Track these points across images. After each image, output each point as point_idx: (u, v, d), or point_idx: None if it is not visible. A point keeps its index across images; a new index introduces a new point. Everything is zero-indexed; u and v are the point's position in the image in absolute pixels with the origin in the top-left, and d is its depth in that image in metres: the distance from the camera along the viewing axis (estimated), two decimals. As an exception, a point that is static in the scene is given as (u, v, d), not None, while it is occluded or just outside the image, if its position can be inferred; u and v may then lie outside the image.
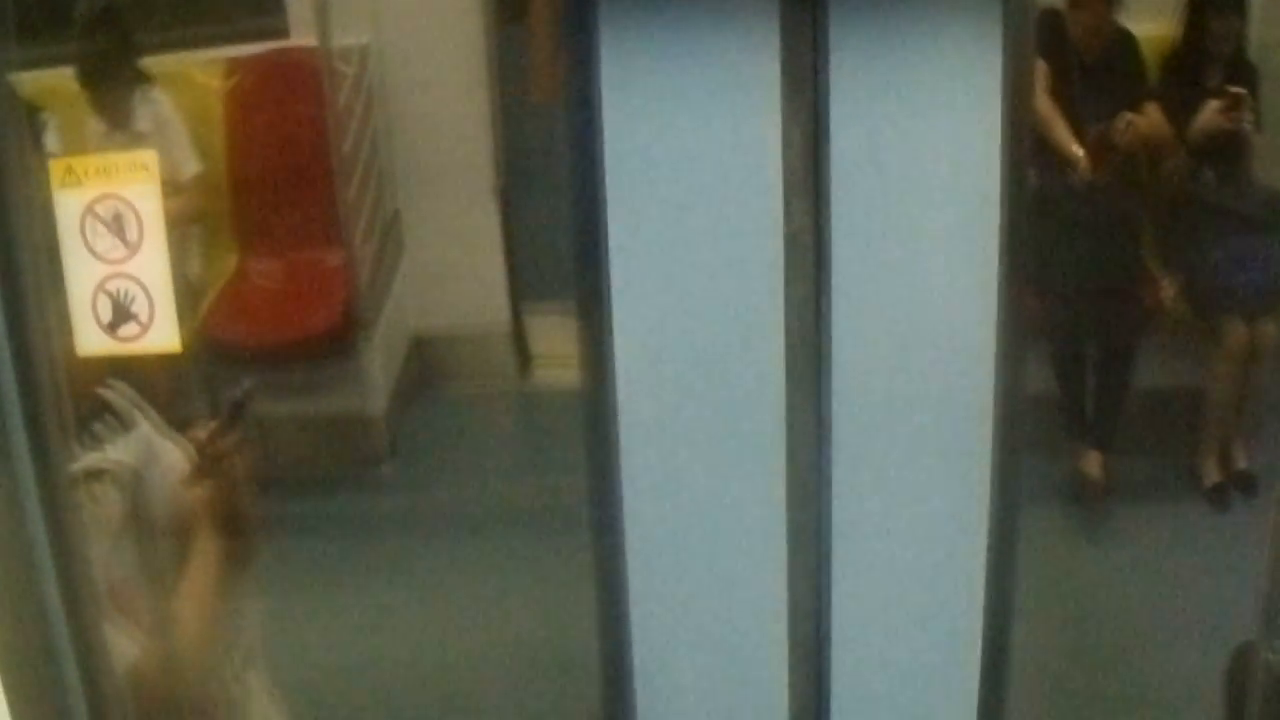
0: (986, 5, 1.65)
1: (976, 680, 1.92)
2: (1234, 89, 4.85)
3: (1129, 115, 4.87)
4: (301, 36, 5.50)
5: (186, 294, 5.12)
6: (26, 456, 1.87)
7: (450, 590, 4.65)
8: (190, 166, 5.20)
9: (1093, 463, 5.02)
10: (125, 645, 2.36)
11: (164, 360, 2.10)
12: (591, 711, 2.03)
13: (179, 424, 2.68)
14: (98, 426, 2.49)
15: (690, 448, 1.82)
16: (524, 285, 5.84)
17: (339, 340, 5.33)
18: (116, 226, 1.94)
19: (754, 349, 1.77)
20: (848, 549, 1.84)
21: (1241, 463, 5.05)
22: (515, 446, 5.83)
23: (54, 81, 4.86)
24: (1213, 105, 4.86)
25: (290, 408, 5.24)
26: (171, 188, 4.90)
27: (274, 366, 5.18)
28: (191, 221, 5.29)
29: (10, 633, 1.90)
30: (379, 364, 5.46)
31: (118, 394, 2.56)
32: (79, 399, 2.27)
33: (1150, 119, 4.94)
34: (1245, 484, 5.01)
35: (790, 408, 1.79)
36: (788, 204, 1.71)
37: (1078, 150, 4.83)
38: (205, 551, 2.56)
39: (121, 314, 1.96)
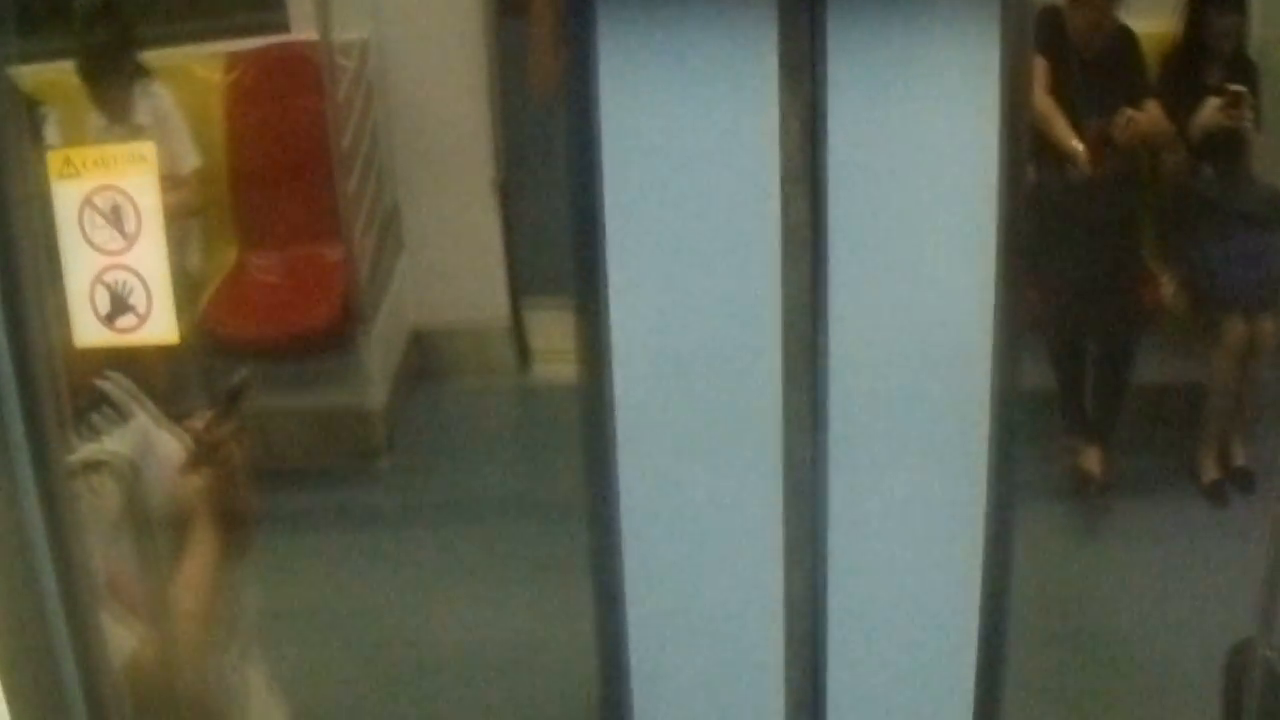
0: (985, -2, 1.66)
1: (972, 675, 1.93)
2: (1234, 86, 4.86)
3: (1129, 112, 4.88)
4: (302, 31, 5.51)
5: (186, 288, 5.12)
6: (24, 447, 1.87)
7: (448, 584, 4.65)
8: (190, 160, 5.21)
9: (1092, 459, 5.02)
10: (124, 636, 2.36)
11: (162, 353, 2.10)
12: (588, 704, 2.03)
13: (178, 416, 2.68)
14: (95, 417, 2.49)
15: (687, 441, 1.82)
16: (523, 280, 5.84)
17: (338, 334, 5.33)
18: (114, 218, 1.94)
19: (751, 342, 1.77)
20: (844, 543, 1.84)
21: (1240, 460, 5.06)
22: (514, 441, 5.83)
23: (54, 75, 4.86)
24: (1213, 103, 4.86)
25: (289, 402, 5.25)
26: (171, 182, 4.91)
27: (273, 360, 5.18)
28: (191, 215, 5.30)
29: (7, 624, 1.91)
30: (378, 358, 5.46)
31: (115, 385, 2.56)
32: (76, 390, 2.28)
33: (1150, 116, 4.94)
34: (1244, 481, 5.02)
35: (787, 401, 1.79)
36: (785, 197, 1.71)
37: (1077, 145, 4.83)
38: (203, 541, 2.57)
39: (119, 305, 1.96)
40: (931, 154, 1.71)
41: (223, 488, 2.61)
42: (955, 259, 1.75)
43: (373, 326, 5.41)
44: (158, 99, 5.13)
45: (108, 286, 1.96)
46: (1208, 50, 5.01)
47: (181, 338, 2.02)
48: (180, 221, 5.13)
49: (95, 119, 5.01)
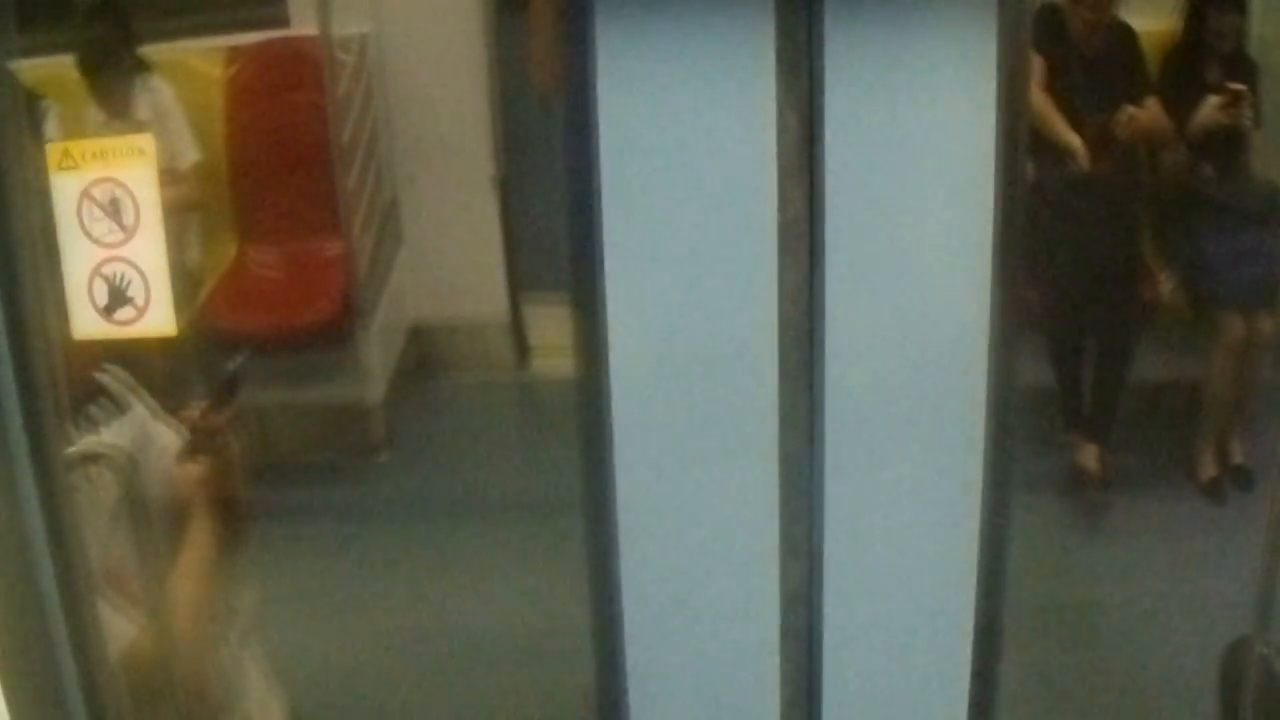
0: (983, -7, 1.66)
1: (968, 671, 1.93)
2: (1234, 85, 4.86)
3: (1130, 109, 4.88)
4: (302, 25, 5.51)
5: (185, 282, 5.13)
6: (22, 439, 1.87)
7: (446, 577, 4.66)
8: (190, 155, 5.21)
9: (1090, 455, 5.03)
10: (123, 625, 2.37)
11: (161, 346, 2.11)
12: (585, 697, 2.04)
13: (175, 408, 2.69)
14: (93, 409, 2.50)
15: (683, 436, 1.82)
16: (522, 275, 5.85)
17: (337, 329, 5.34)
18: (113, 210, 1.94)
19: (748, 337, 1.77)
20: (840, 538, 1.85)
21: (1238, 457, 5.06)
22: (512, 436, 5.84)
23: (54, 69, 4.86)
24: (1212, 101, 4.86)
25: (288, 396, 5.26)
26: (171, 176, 4.91)
27: (272, 354, 5.18)
28: (191, 210, 5.30)
29: (5, 615, 1.91)
30: (377, 353, 5.47)
31: (112, 378, 2.57)
32: (74, 382, 2.28)
33: (1151, 113, 4.94)
34: (1242, 478, 5.02)
35: (783, 396, 1.79)
36: (782, 191, 1.71)
37: (1075, 141, 4.83)
38: (200, 531, 2.58)
39: (118, 298, 1.96)
40: (929, 150, 1.71)
41: (219, 477, 2.62)
42: (952, 255, 1.75)
43: (372, 321, 5.42)
44: (158, 94, 5.14)
45: (106, 279, 1.96)
46: (1208, 48, 5.01)
47: (181, 332, 2.02)
48: (180, 216, 5.13)
49: (95, 113, 5.01)
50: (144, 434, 2.62)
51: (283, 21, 5.67)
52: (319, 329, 5.36)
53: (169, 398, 2.73)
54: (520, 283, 5.86)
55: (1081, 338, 5.09)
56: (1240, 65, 5.02)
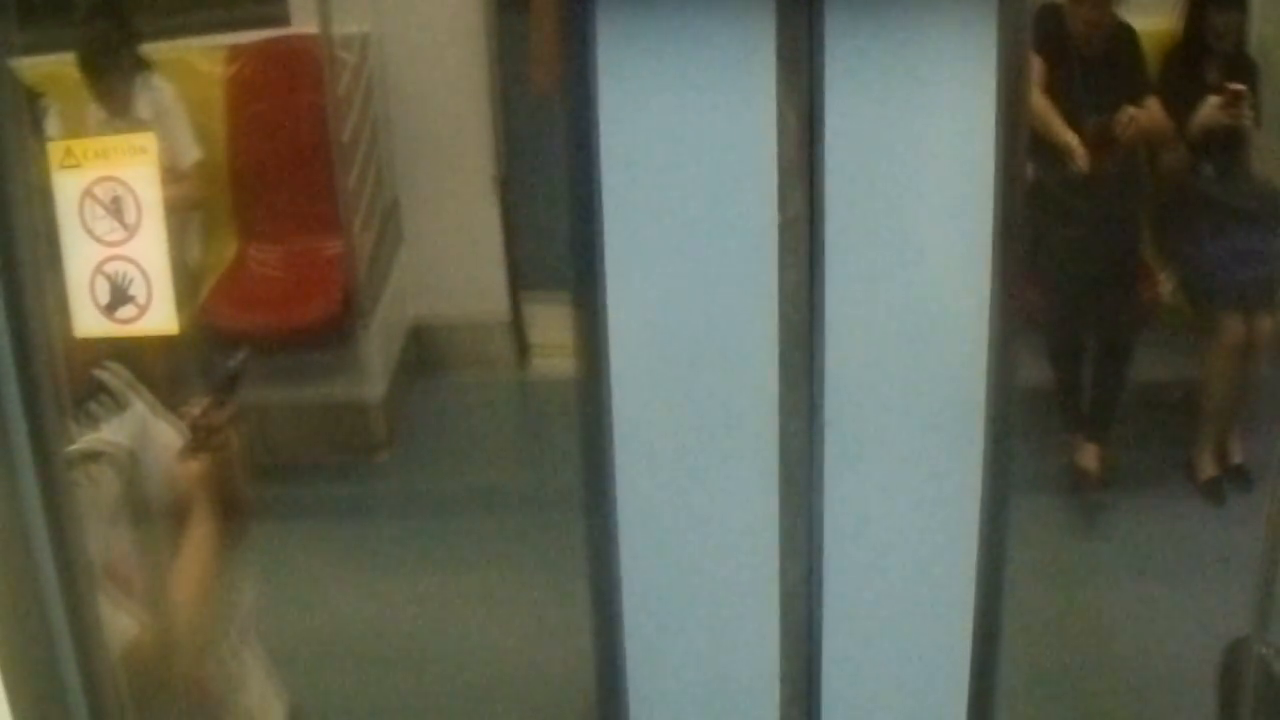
0: (983, -7, 1.66)
1: (967, 669, 1.93)
2: (1234, 85, 4.86)
3: (1131, 110, 4.88)
4: (302, 24, 5.52)
5: (186, 281, 5.13)
6: (24, 436, 1.87)
7: (446, 576, 4.66)
8: (191, 154, 5.22)
9: (1089, 455, 5.03)
10: (125, 621, 2.37)
11: (161, 345, 2.11)
12: (585, 695, 2.04)
13: (175, 407, 2.69)
14: (93, 406, 2.50)
15: (683, 435, 1.83)
16: (522, 274, 5.85)
17: (337, 328, 5.34)
18: (115, 209, 1.95)
19: (748, 336, 1.77)
20: (839, 537, 1.85)
21: (1237, 457, 5.06)
22: (512, 435, 5.84)
23: (55, 68, 4.86)
24: (1213, 101, 4.86)
25: (288, 395, 5.26)
26: (172, 175, 4.91)
27: (272, 353, 5.18)
28: (192, 208, 5.31)
29: (6, 612, 1.91)
30: (377, 352, 5.47)
31: (113, 375, 2.57)
32: (75, 379, 2.28)
33: (1151, 114, 4.95)
34: (1240, 479, 5.03)
35: (783, 395, 1.79)
36: (782, 191, 1.72)
37: (1074, 141, 4.83)
38: (200, 527, 2.58)
39: (119, 296, 1.97)
40: (929, 149, 1.71)
41: (220, 473, 2.63)
42: (952, 254, 1.76)
43: (372, 320, 5.42)
44: (158, 92, 5.14)
45: (108, 277, 1.96)
46: (1208, 48, 5.02)
47: (181, 330, 2.02)
48: (180, 215, 5.13)
49: (96, 112, 5.02)
50: (144, 431, 2.63)
51: (283, 20, 5.67)
52: (319, 328, 5.36)
53: (169, 395, 2.73)
54: (520, 282, 5.86)
55: (1081, 338, 5.09)
56: (1240, 65, 5.02)
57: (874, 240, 1.73)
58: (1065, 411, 5.10)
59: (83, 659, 1.99)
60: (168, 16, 5.62)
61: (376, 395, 5.48)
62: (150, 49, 5.18)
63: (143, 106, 5.07)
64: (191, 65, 5.55)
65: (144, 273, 1.96)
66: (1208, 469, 5.06)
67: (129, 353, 2.58)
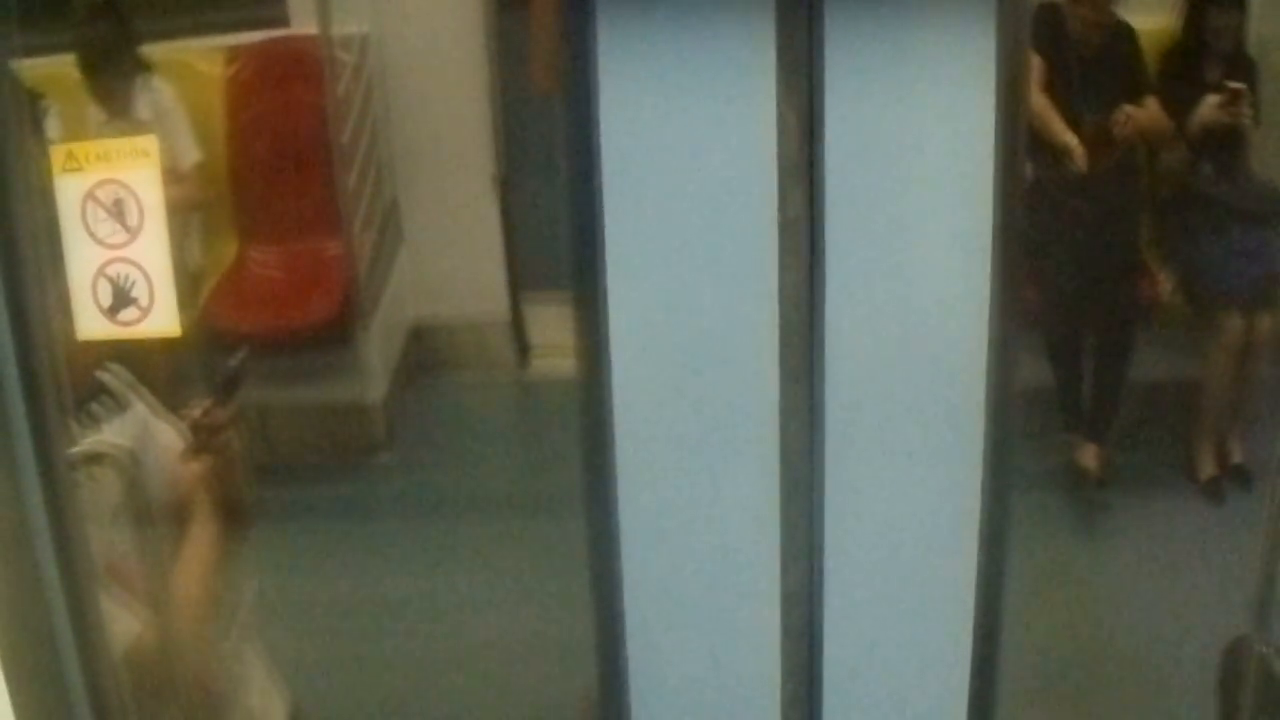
0: (982, -7, 1.67)
1: (968, 670, 1.93)
2: (1233, 84, 4.86)
3: (1128, 108, 4.88)
4: (302, 25, 5.51)
5: (186, 282, 5.12)
6: (26, 437, 1.88)
7: (447, 576, 4.66)
8: (191, 155, 5.21)
9: (1089, 455, 5.03)
10: (128, 620, 2.38)
11: (162, 346, 2.11)
12: (586, 695, 2.04)
13: (176, 408, 2.70)
14: (94, 407, 2.51)
15: (684, 435, 1.83)
16: (522, 274, 5.85)
17: (338, 328, 5.34)
18: (117, 211, 1.95)
19: (748, 336, 1.78)
20: (840, 537, 1.85)
21: (1237, 457, 5.06)
22: (513, 435, 5.84)
23: (55, 69, 4.86)
24: (1212, 100, 4.86)
25: (289, 395, 5.25)
26: (172, 176, 4.91)
27: (273, 354, 5.18)
28: (191, 210, 5.30)
29: (9, 611, 1.92)
30: (377, 352, 5.47)
31: (114, 376, 2.58)
32: (77, 380, 2.29)
33: (1149, 112, 4.94)
34: (1241, 478, 5.02)
35: (784, 395, 1.80)
36: (782, 191, 1.72)
37: (1073, 141, 4.83)
38: (202, 528, 2.58)
39: (122, 298, 1.97)
40: (928, 149, 1.72)
41: (221, 474, 2.63)
42: (952, 254, 1.76)
43: (372, 321, 5.42)
44: (158, 93, 5.13)
45: (110, 280, 1.97)
46: (1207, 47, 5.01)
47: (181, 332, 2.03)
48: (180, 216, 5.13)
49: (95, 113, 5.01)
50: (145, 431, 2.63)
51: (282, 21, 5.66)
52: (320, 328, 5.35)
53: (169, 396, 2.73)
54: (520, 282, 5.86)
55: (1080, 337, 5.09)
56: (1240, 64, 5.02)
57: (874, 240, 1.73)
58: (1065, 411, 5.10)
59: (85, 658, 2.00)
60: (167, 18, 5.61)
61: (377, 396, 5.47)
62: (150, 50, 5.17)
63: (143, 108, 5.07)
64: (191, 66, 5.54)
65: (146, 275, 1.97)
66: (1207, 468, 5.06)
67: (129, 354, 2.58)
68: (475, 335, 5.92)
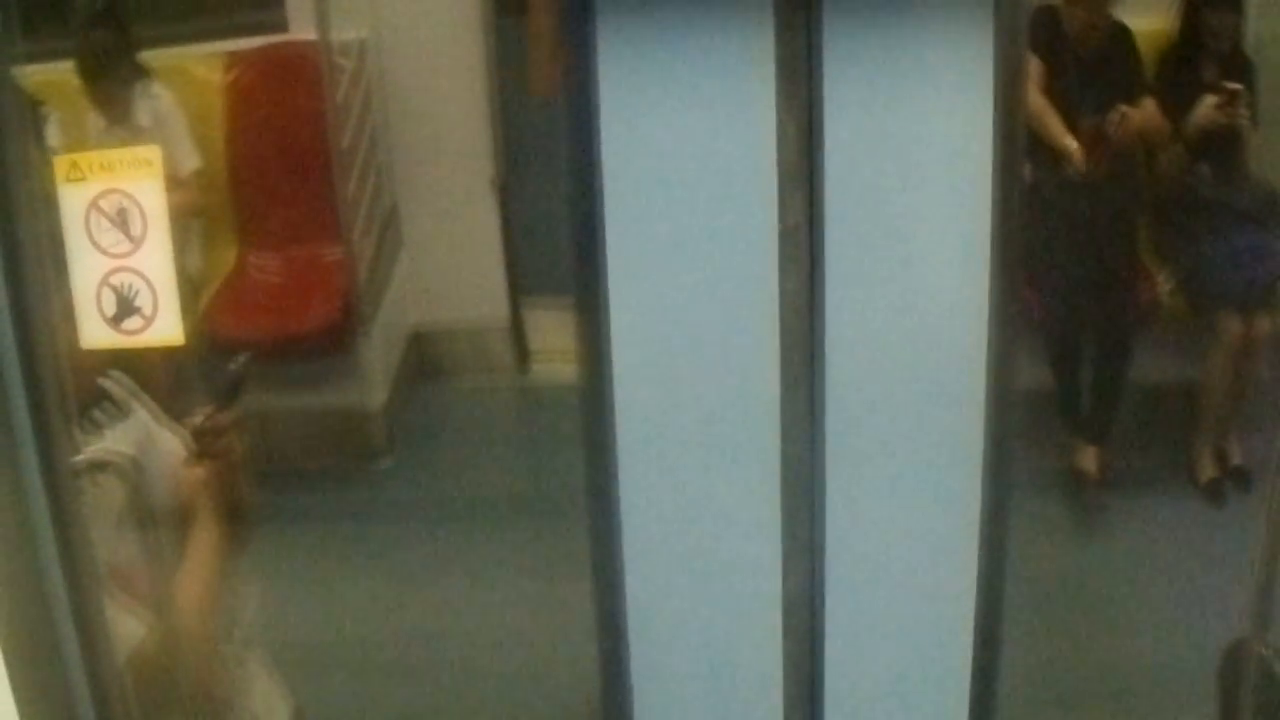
0: None
1: (968, 672, 1.94)
2: (1230, 84, 4.86)
3: (1124, 109, 4.88)
4: (300, 30, 5.51)
5: (186, 289, 5.12)
6: (31, 446, 1.89)
7: (448, 582, 4.66)
8: (190, 161, 5.21)
9: (1088, 457, 5.03)
10: (132, 625, 2.38)
11: (163, 353, 2.12)
12: (588, 700, 2.05)
13: (178, 415, 2.70)
14: (97, 413, 2.51)
15: (685, 440, 1.84)
16: (522, 280, 5.85)
17: (338, 334, 5.34)
18: (120, 221, 1.95)
19: (749, 342, 1.78)
20: (841, 540, 1.86)
21: (1237, 458, 5.06)
22: (513, 441, 5.84)
23: (54, 75, 4.87)
24: (1209, 100, 4.86)
25: (289, 401, 5.25)
26: (171, 182, 4.89)
27: (273, 361, 5.18)
28: (191, 216, 5.30)
29: (14, 616, 1.92)
30: (377, 358, 5.47)
31: (116, 383, 2.58)
32: (79, 387, 2.29)
33: (1145, 113, 4.95)
34: (1240, 480, 5.03)
35: (784, 400, 1.80)
36: (782, 198, 1.73)
37: (1071, 143, 4.84)
38: (205, 533, 2.59)
39: (125, 307, 1.98)
40: (927, 155, 1.72)
41: (224, 479, 2.63)
42: (951, 259, 1.76)
43: (372, 326, 5.42)
44: (158, 100, 5.14)
45: (114, 289, 1.97)
46: (1204, 48, 5.01)
47: (182, 339, 2.03)
48: (180, 222, 5.13)
49: (95, 120, 5.02)
50: (148, 438, 2.64)
51: (281, 26, 5.66)
52: (320, 334, 5.35)
53: (170, 403, 2.74)
54: (520, 287, 5.86)
55: (1080, 339, 5.09)
56: (1237, 65, 5.02)
57: (873, 246, 1.74)
58: (1065, 413, 5.10)
59: (89, 663, 2.00)
60: (166, 24, 5.61)
61: (377, 402, 5.48)
62: (149, 56, 5.18)
63: (142, 114, 5.07)
64: (190, 72, 5.55)
65: (149, 284, 1.97)
66: (1207, 470, 5.06)
67: (131, 361, 2.59)
68: (475, 340, 5.92)
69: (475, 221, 5.77)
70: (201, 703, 2.60)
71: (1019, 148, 1.75)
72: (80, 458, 2.29)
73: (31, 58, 1.95)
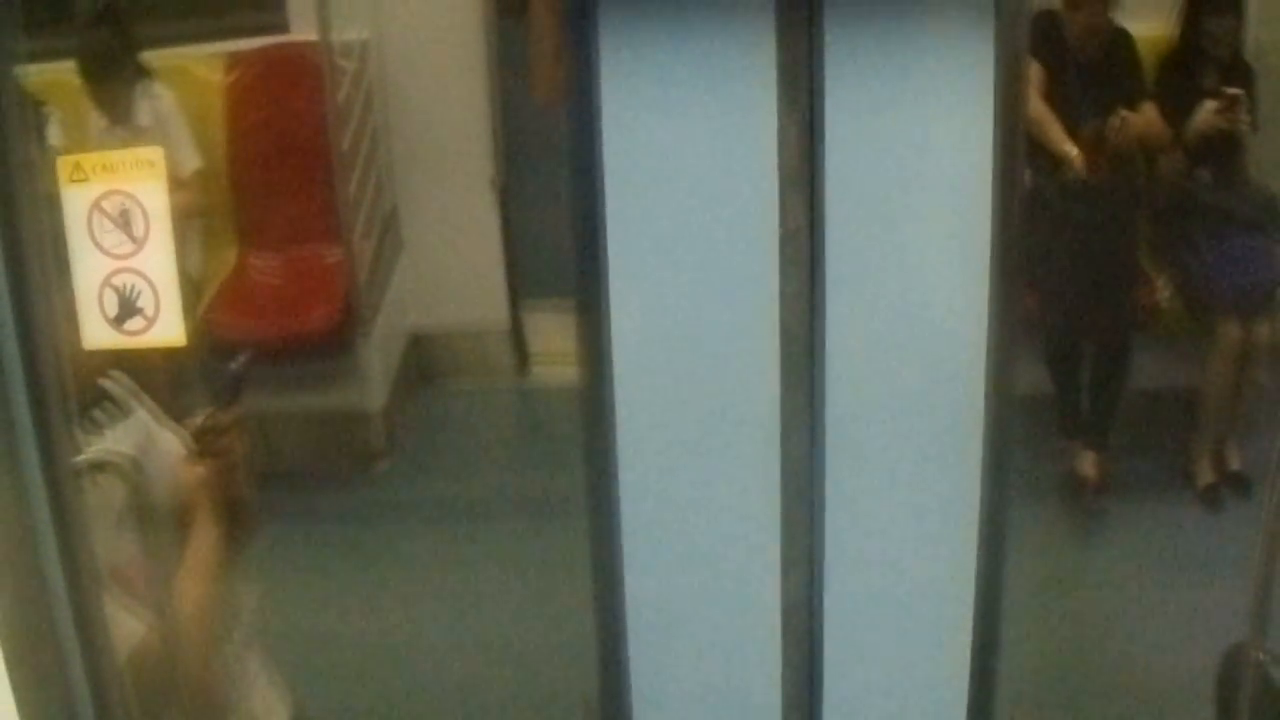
0: (980, 3, 1.67)
1: (966, 676, 1.94)
2: (1230, 90, 4.87)
3: (1124, 113, 4.88)
4: (301, 31, 5.50)
5: (186, 289, 5.11)
6: (32, 444, 1.89)
7: (448, 584, 4.66)
8: (191, 162, 5.21)
9: (1087, 462, 5.03)
10: (132, 624, 2.38)
11: (162, 353, 2.12)
12: (588, 702, 2.05)
13: (178, 415, 2.70)
14: (97, 413, 2.51)
15: (685, 443, 1.84)
16: (522, 282, 5.85)
17: (338, 336, 5.34)
18: (123, 222, 1.96)
19: (749, 345, 1.79)
20: (840, 544, 1.86)
21: (1235, 464, 5.06)
22: (512, 443, 5.84)
23: (56, 75, 4.87)
24: (1209, 106, 4.87)
25: (289, 403, 5.25)
26: (172, 183, 4.89)
27: (273, 362, 5.18)
28: (192, 217, 5.30)
29: (15, 615, 1.92)
30: (377, 360, 5.47)
31: (116, 383, 2.59)
32: (80, 387, 2.29)
33: (1144, 118, 4.95)
34: (1239, 485, 5.03)
35: (784, 404, 1.81)
36: (783, 201, 1.73)
37: (1071, 149, 4.84)
38: (205, 532, 2.59)
39: (128, 308, 1.98)
40: (927, 159, 1.73)
41: (224, 479, 2.63)
42: (951, 263, 1.77)
43: (372, 328, 5.42)
44: (159, 100, 5.14)
45: (116, 289, 1.97)
46: (1204, 53, 5.02)
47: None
48: (181, 223, 5.11)
49: (96, 119, 5.02)
50: (148, 437, 2.64)
51: (282, 27, 5.66)
52: (320, 336, 5.35)
53: (170, 403, 2.74)
54: (520, 290, 5.86)
55: (1079, 344, 5.09)
56: (1237, 70, 5.02)
57: (874, 250, 1.74)
58: (1064, 418, 5.10)
59: (90, 662, 2.01)
60: (167, 24, 5.61)
61: (376, 404, 5.47)
62: (150, 56, 5.18)
63: (143, 114, 5.07)
64: (191, 73, 5.55)
65: (152, 285, 1.98)
66: (1206, 475, 5.06)
67: (131, 361, 2.59)
68: (475, 343, 5.92)
69: (475, 223, 5.77)
70: (201, 702, 2.60)
71: (1019, 152, 1.76)
72: (82, 458, 2.29)
73: (33, 57, 1.95)
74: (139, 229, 1.96)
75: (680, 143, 1.72)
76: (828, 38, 1.66)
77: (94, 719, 2.03)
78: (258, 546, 2.84)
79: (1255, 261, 4.98)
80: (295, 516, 4.75)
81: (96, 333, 1.99)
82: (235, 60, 5.63)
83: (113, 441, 2.51)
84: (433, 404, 5.81)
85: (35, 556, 1.93)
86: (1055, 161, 4.86)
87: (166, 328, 1.99)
